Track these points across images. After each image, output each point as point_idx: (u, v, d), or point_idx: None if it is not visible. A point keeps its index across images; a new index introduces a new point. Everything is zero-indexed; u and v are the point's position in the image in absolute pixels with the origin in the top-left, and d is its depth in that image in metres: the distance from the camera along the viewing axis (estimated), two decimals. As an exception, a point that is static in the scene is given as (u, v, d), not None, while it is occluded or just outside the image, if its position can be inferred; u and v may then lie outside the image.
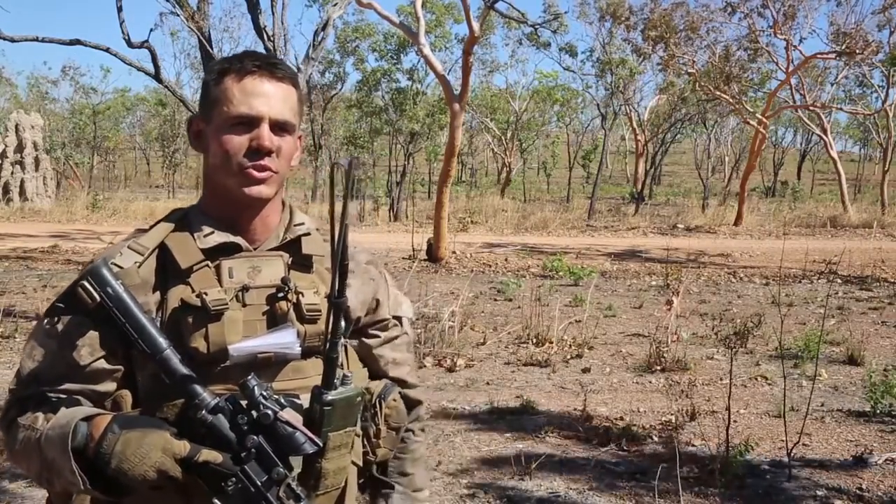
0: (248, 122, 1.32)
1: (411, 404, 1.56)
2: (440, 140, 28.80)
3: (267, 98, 1.33)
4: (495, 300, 10.03)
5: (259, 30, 8.55)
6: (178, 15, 8.61)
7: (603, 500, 3.98)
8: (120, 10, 8.89)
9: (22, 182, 22.54)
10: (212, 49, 8.62)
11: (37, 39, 9.10)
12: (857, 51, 19.01)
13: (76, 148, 34.25)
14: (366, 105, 26.05)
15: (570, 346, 7.29)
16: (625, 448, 4.70)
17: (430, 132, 25.07)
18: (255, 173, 1.32)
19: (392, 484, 1.55)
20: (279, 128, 1.34)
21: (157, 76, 8.84)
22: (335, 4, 9.43)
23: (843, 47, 19.21)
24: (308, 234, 1.42)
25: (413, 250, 12.67)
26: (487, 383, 6.20)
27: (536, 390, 5.97)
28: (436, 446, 4.64)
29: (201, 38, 8.49)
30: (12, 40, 9.06)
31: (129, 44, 8.71)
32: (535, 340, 7.37)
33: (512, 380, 6.32)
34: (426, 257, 13.47)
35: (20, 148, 22.76)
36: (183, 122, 33.55)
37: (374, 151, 30.30)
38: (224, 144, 1.32)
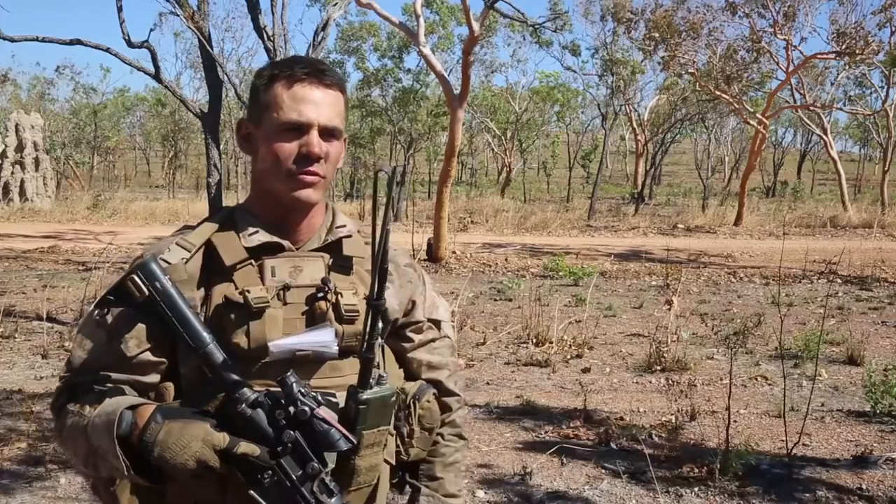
0: (298, 129, 1.35)
1: (443, 408, 1.56)
2: (440, 140, 28.82)
3: (316, 105, 1.36)
4: (495, 300, 10.04)
5: (259, 30, 8.54)
6: (177, 15, 8.60)
7: (603, 499, 3.98)
8: (120, 10, 8.87)
9: (22, 182, 22.54)
10: (212, 49, 8.61)
11: (37, 39, 9.09)
12: (857, 51, 19.00)
13: (76, 148, 34.27)
14: (368, 104, 26.06)
15: (570, 346, 7.29)
16: (625, 448, 4.70)
17: (431, 132, 25.09)
18: (305, 178, 1.35)
19: (419, 486, 1.56)
20: (327, 133, 1.37)
21: (157, 76, 8.83)
22: (335, 4, 9.42)
23: (844, 47, 19.20)
24: (349, 236, 1.45)
25: (413, 250, 12.68)
26: (487, 383, 6.20)
27: (536, 390, 5.97)
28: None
29: (201, 38, 8.48)
30: (12, 40, 9.05)
31: (130, 44, 8.70)
32: (535, 340, 7.37)
33: (512, 380, 6.32)
34: (426, 257, 13.48)
35: (20, 148, 22.76)
36: (185, 123, 33.58)
37: (374, 151, 30.32)
38: (274, 150, 1.35)
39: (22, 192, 22.51)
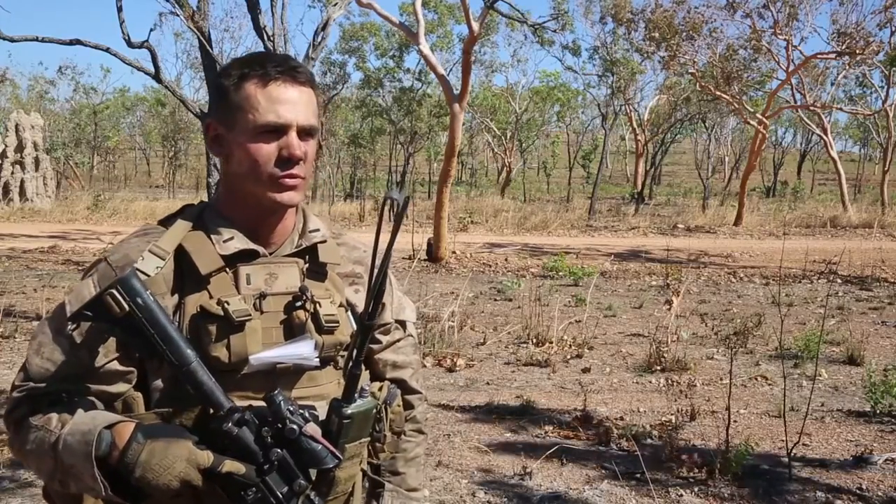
0: (277, 130, 1.31)
1: (406, 405, 1.57)
2: (440, 140, 28.83)
3: (293, 105, 1.32)
4: (495, 300, 10.03)
5: (259, 30, 8.54)
6: (177, 15, 8.60)
7: (603, 499, 3.98)
8: (120, 10, 8.87)
9: (22, 182, 22.54)
10: (212, 49, 8.61)
11: (37, 39, 9.08)
12: (858, 51, 18.99)
13: (76, 148, 34.26)
14: (369, 104, 26.06)
15: (570, 346, 7.29)
16: (625, 448, 4.70)
17: (432, 132, 25.11)
18: (287, 181, 1.32)
19: (383, 483, 1.56)
20: (305, 133, 1.33)
21: (156, 76, 8.82)
22: (335, 4, 9.42)
23: (844, 47, 19.19)
24: (324, 241, 1.42)
25: (413, 250, 12.67)
26: (487, 383, 6.20)
27: (536, 390, 5.97)
28: (436, 446, 4.64)
29: (201, 38, 8.47)
30: (12, 40, 9.04)
31: (129, 44, 8.70)
32: (535, 340, 7.36)
33: (512, 380, 6.32)
34: (426, 257, 13.48)
35: (20, 148, 22.75)
36: (185, 123, 33.55)
37: (374, 151, 30.32)
38: (253, 153, 1.31)
39: (22, 192, 22.51)
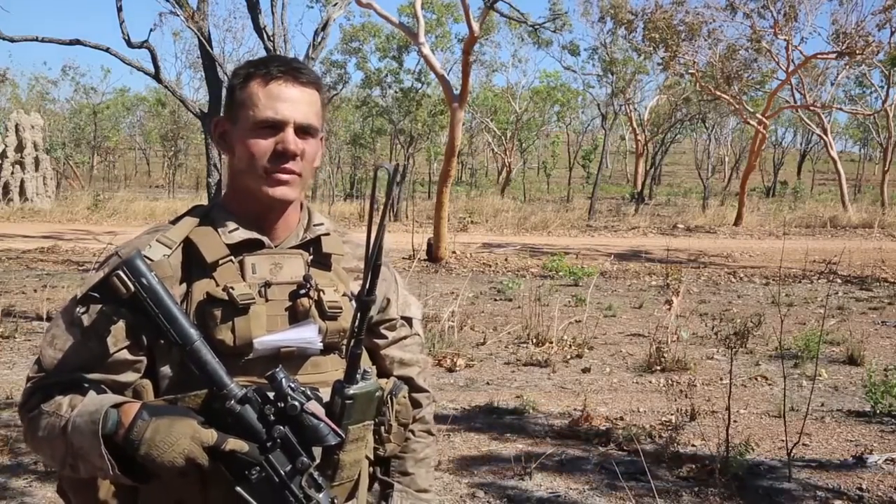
0: (274, 126, 1.36)
1: (413, 404, 1.58)
2: (440, 140, 28.85)
3: (292, 103, 1.36)
4: (495, 300, 10.03)
5: (259, 30, 8.55)
6: (177, 15, 8.61)
7: (603, 500, 3.98)
8: (120, 10, 8.88)
9: (22, 182, 22.53)
10: (212, 49, 8.61)
11: (37, 39, 9.09)
12: (858, 51, 18.99)
13: (76, 148, 34.27)
14: (370, 104, 26.05)
15: (570, 346, 7.29)
16: (625, 448, 4.70)
17: (431, 132, 25.07)
18: (281, 176, 1.36)
19: (392, 483, 1.57)
20: (303, 131, 1.37)
21: (157, 76, 8.82)
22: (335, 5, 9.42)
23: (844, 47, 19.19)
24: (328, 234, 1.46)
25: (413, 250, 12.67)
26: (487, 383, 6.20)
27: (536, 390, 5.97)
28: (435, 446, 4.64)
29: (201, 37, 8.48)
30: (12, 40, 9.05)
31: (129, 44, 8.70)
32: (535, 340, 7.36)
33: (512, 380, 6.32)
34: (426, 257, 13.47)
35: (20, 148, 22.75)
36: (185, 123, 33.58)
37: (375, 151, 30.33)
38: (249, 147, 1.36)
39: (22, 192, 22.50)
